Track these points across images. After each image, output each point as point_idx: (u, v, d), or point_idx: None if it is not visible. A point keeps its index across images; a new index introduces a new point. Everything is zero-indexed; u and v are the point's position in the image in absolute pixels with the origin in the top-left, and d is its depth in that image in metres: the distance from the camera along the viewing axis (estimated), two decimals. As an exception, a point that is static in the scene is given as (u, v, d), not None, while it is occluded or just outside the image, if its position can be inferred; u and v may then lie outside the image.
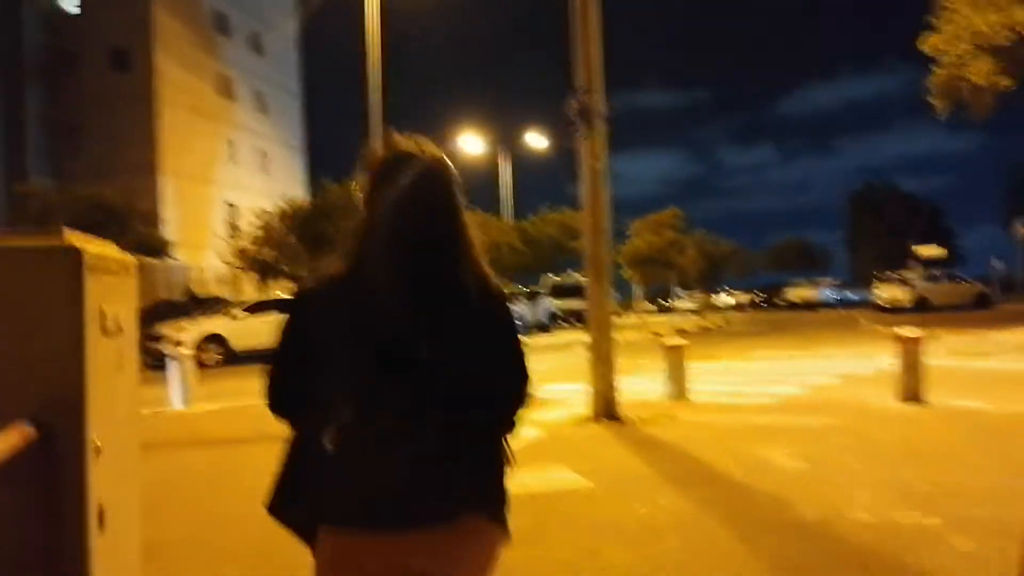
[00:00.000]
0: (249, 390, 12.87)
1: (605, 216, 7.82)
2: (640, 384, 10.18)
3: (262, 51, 47.18)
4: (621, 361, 9.28)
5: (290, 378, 1.61)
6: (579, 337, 26.50)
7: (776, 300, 51.77)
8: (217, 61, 43.07)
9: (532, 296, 33.24)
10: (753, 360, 15.20)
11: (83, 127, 38.66)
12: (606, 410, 7.84)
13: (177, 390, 9.79)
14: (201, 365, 19.26)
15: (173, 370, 9.89)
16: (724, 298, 57.51)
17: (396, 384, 1.49)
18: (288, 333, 1.61)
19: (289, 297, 1.70)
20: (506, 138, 46.45)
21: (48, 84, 38.79)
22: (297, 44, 51.47)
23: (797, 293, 49.24)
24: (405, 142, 1.67)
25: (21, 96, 37.42)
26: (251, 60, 45.91)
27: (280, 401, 1.62)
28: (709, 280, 42.23)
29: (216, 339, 20.22)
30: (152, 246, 23.28)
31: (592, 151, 7.73)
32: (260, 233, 28.60)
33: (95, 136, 38.18)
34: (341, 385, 1.51)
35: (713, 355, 15.34)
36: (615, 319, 28.42)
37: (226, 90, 43.81)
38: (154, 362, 18.66)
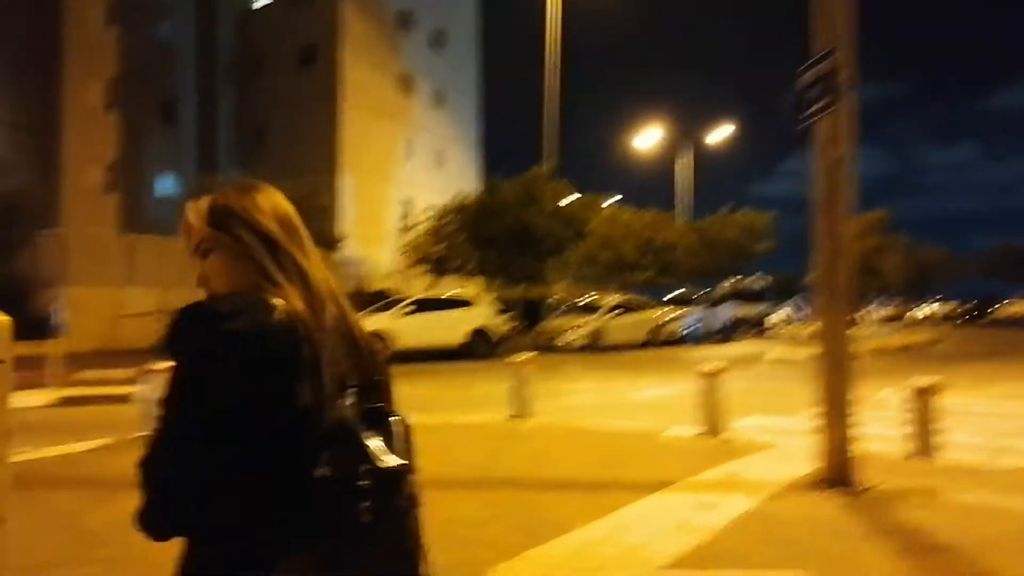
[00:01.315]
0: (412, 401, 11.97)
1: (847, 220, 5.93)
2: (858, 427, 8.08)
3: (443, 47, 47.26)
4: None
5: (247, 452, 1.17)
6: (764, 349, 24.20)
7: (988, 314, 46.54)
8: (399, 58, 43.51)
9: (711, 302, 31.05)
10: (996, 396, 12.51)
11: (269, 126, 40.13)
12: (839, 473, 5.98)
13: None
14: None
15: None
16: (923, 309, 52.36)
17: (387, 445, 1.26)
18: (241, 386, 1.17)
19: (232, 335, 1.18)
20: (685, 132, 44.20)
21: (238, 84, 40.52)
22: (477, 39, 51.30)
23: (1016, 307, 43.98)
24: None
25: (214, 96, 39.25)
26: (431, 57, 46.09)
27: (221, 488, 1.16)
28: (915, 290, 38.14)
29: (377, 336, 19.62)
30: (325, 240, 23.34)
31: (832, 134, 5.86)
32: (431, 229, 28.20)
33: (280, 134, 39.54)
34: (344, 448, 1.21)
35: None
36: (800, 332, 25.64)
37: (406, 87, 44.20)
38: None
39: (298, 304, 1.26)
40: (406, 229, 29.55)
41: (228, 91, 40.23)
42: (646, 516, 5.15)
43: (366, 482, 1.19)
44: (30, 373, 13.56)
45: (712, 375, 8.15)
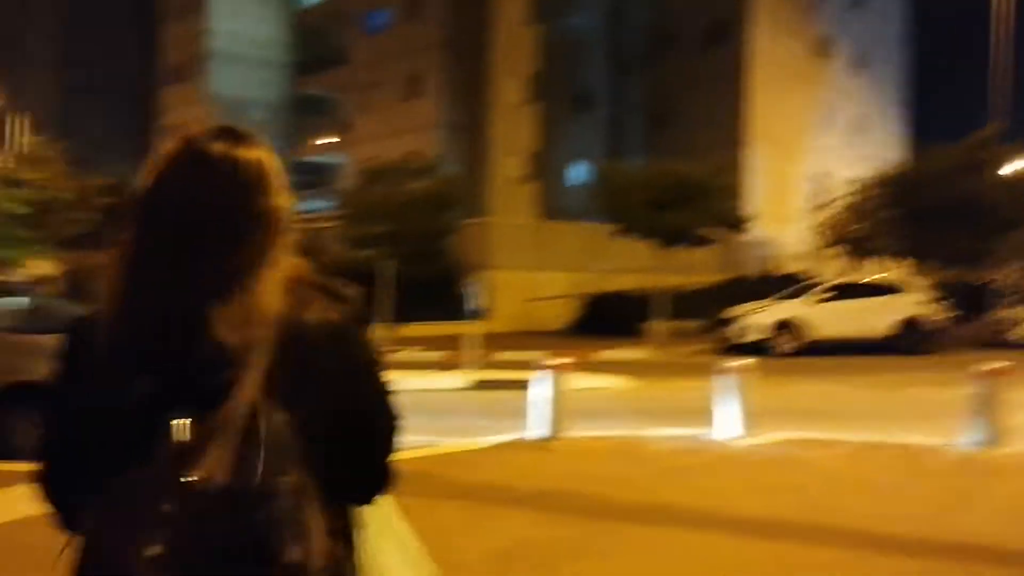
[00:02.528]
0: (832, 404, 10.15)
1: None
2: None
3: (864, 6, 42.78)
4: None
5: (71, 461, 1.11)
6: None
7: None
8: (814, 23, 40.38)
9: None
10: None
11: (675, 106, 39.75)
12: None
13: (735, 411, 7.67)
14: (775, 354, 17.31)
15: (723, 386, 7.77)
16: None
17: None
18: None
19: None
20: None
21: (645, 68, 40.83)
22: (903, -7, 45.68)
23: None
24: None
25: (622, 82, 40.01)
26: (851, 16, 42.00)
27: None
28: None
29: (788, 325, 17.96)
30: (730, 220, 22.05)
31: None
32: (850, 204, 25.41)
33: (686, 114, 38.98)
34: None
35: None
36: None
37: (822, 52, 40.87)
38: (725, 349, 17.19)
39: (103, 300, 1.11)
40: (821, 206, 27.03)
41: (635, 76, 40.73)
42: None
43: (167, 506, 0.93)
44: (453, 353, 14.47)
45: None
